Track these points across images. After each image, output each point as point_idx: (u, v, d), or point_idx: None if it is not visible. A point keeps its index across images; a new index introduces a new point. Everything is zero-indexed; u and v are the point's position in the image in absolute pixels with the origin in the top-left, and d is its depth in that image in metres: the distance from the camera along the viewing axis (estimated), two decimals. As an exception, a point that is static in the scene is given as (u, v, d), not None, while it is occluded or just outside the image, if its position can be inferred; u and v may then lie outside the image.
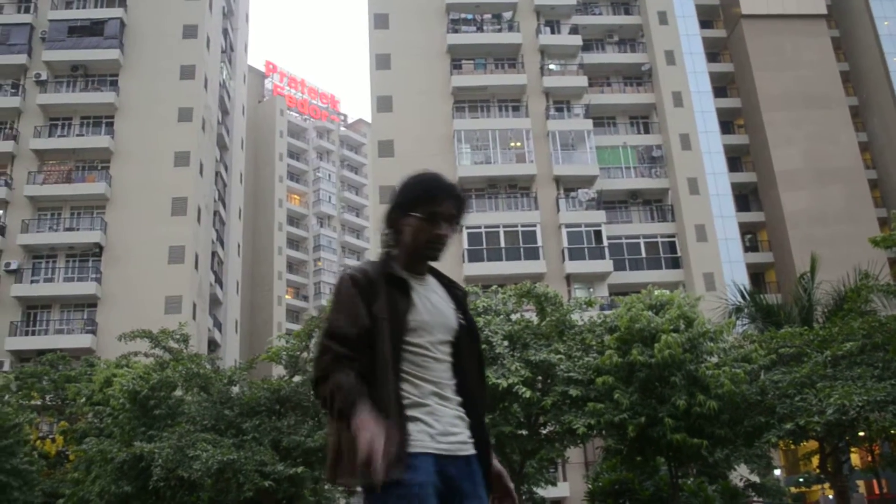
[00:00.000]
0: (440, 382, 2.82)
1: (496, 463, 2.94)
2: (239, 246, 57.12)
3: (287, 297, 77.77)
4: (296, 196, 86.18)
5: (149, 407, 23.52)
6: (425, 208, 2.88)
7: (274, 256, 75.86)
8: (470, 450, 2.80)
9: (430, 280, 3.00)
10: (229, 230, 54.18)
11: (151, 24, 48.05)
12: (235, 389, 25.68)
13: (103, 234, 43.39)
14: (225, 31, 56.33)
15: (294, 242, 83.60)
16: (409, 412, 2.71)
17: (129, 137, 45.52)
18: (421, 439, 2.68)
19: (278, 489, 21.53)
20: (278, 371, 34.64)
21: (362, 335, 2.74)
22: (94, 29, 47.54)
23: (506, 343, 20.32)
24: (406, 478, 2.58)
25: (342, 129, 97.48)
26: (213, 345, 46.97)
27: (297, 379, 24.90)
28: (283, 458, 21.73)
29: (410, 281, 2.89)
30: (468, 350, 2.95)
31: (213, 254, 48.92)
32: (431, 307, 2.88)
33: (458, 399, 2.86)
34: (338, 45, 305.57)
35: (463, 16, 49.25)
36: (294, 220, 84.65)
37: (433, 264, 3.00)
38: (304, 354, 25.18)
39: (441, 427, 2.74)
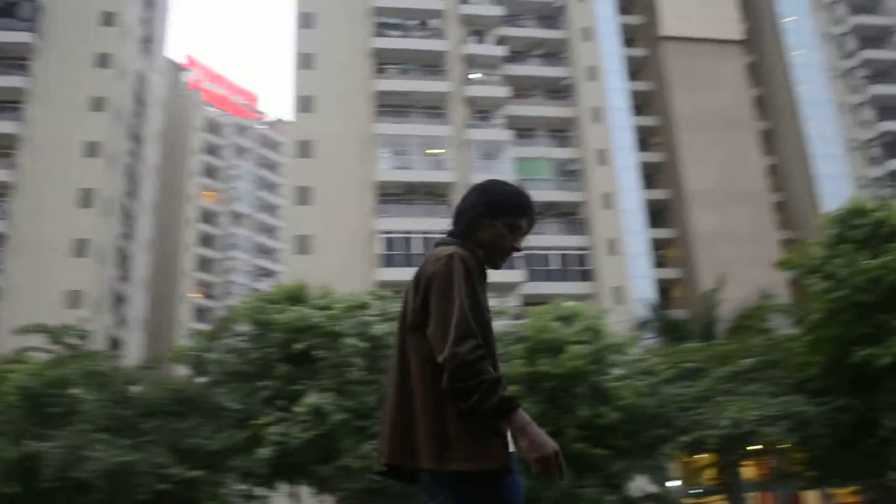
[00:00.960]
0: None
1: None
2: (147, 241, 55.74)
3: (196, 296, 76.20)
4: (210, 193, 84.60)
5: (42, 404, 22.66)
6: (514, 219, 2.98)
7: (181, 253, 74.28)
8: None
9: None
10: (139, 225, 52.82)
11: (69, 8, 46.61)
12: (138, 389, 24.98)
13: (7, 224, 41.79)
14: (145, 21, 55.00)
15: (206, 240, 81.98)
16: None
17: (39, 124, 43.95)
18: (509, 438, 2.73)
19: (175, 492, 21.01)
20: (184, 371, 33.87)
21: (486, 328, 2.79)
22: (6, 10, 45.89)
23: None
24: (512, 473, 2.69)
25: (261, 127, 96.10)
26: (115, 342, 45.62)
27: (201, 380, 24.37)
28: (182, 460, 21.21)
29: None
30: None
31: (120, 249, 47.61)
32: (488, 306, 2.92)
33: None
34: (261, 42, 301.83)
35: (389, 20, 49.17)
36: (207, 217, 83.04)
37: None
38: (210, 355, 24.67)
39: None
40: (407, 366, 2.89)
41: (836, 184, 52.96)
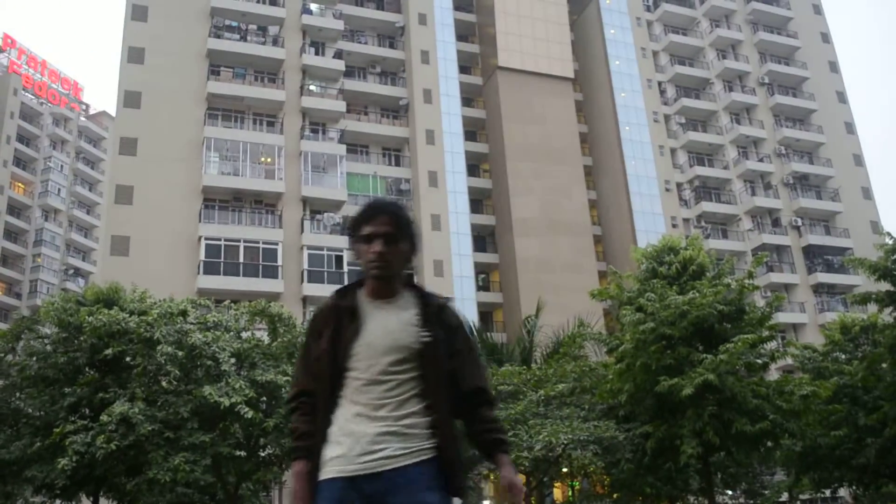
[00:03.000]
0: (374, 403, 2.98)
1: (503, 460, 3.11)
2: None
3: (-4, 292, 71.22)
4: (20, 184, 79.38)
5: None
6: (361, 230, 3.15)
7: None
8: (403, 461, 2.91)
9: (401, 301, 3.17)
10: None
11: None
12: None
13: None
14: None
15: (12, 234, 76.82)
16: (334, 437, 2.98)
17: None
18: (334, 464, 2.93)
19: (-41, 503, 19.43)
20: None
21: (314, 375, 3.13)
22: None
23: (233, 361, 19.70)
24: None
25: (82, 119, 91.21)
26: None
27: (-2, 383, 22.71)
28: (-30, 469, 19.64)
29: (367, 306, 3.13)
30: (436, 362, 3.05)
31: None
32: (382, 331, 3.05)
33: (404, 412, 2.98)
34: (89, 30, 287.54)
35: (227, 22, 48.04)
36: (16, 209, 77.90)
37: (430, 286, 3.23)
38: (9, 357, 23.03)
39: (360, 447, 2.91)
40: None
41: (650, 221, 56.10)
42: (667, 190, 58.83)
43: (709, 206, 59.06)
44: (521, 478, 25.35)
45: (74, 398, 20.67)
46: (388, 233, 3.11)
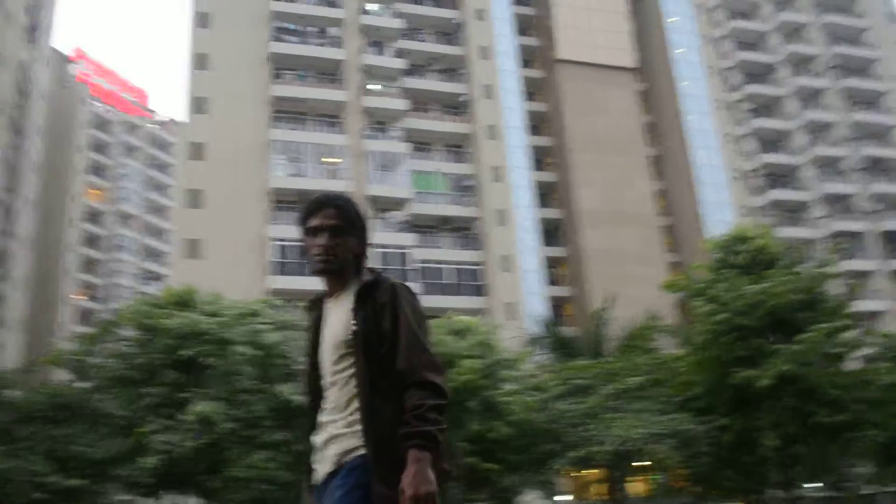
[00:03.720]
0: (327, 408, 2.95)
1: (410, 458, 2.66)
2: (28, 240, 53.32)
3: (79, 297, 73.27)
4: (96, 191, 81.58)
5: None
6: (308, 223, 3.10)
7: (65, 253, 71.35)
8: (332, 466, 2.86)
9: (349, 293, 3.03)
10: (19, 222, 50.46)
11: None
12: (14, 393, 23.77)
13: None
14: (30, 9, 52.68)
15: (91, 240, 78.98)
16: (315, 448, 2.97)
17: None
18: (313, 475, 2.94)
19: (53, 502, 20.05)
20: (65, 376, 32.48)
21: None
22: None
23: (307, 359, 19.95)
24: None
25: (152, 126, 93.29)
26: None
27: (82, 385, 23.39)
28: (62, 468, 20.27)
29: (325, 305, 3.10)
30: (366, 348, 2.88)
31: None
32: (328, 330, 3.02)
33: (342, 416, 2.89)
34: (155, 39, 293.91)
35: (288, 25, 48.63)
36: (93, 216, 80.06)
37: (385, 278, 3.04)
38: (93, 360, 23.72)
39: (316, 456, 2.94)
40: None
41: (720, 211, 55.19)
42: (735, 178, 57.81)
43: (779, 194, 57.84)
44: (594, 472, 25.23)
45: (155, 398, 21.19)
46: (333, 225, 3.05)
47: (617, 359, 23.98)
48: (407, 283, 3.07)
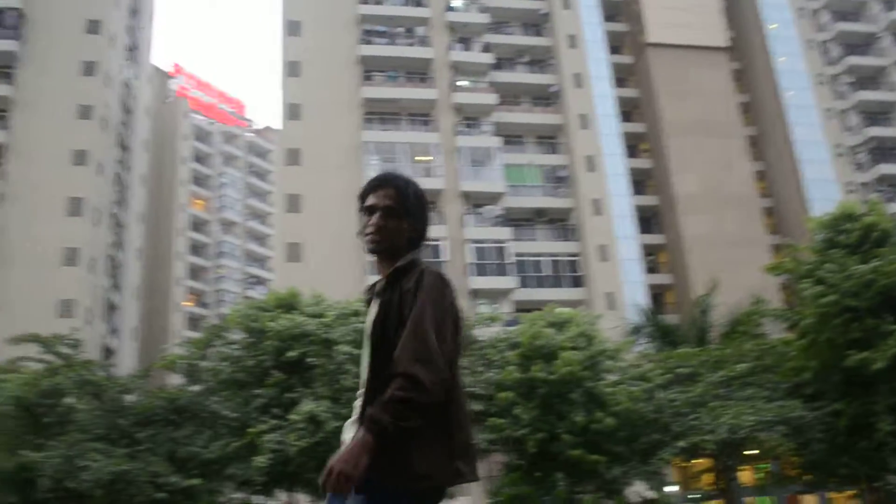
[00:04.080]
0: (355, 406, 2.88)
1: (355, 436, 2.67)
2: (138, 250, 55.50)
3: (189, 304, 75.90)
4: (199, 201, 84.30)
5: (37, 414, 22.53)
6: (364, 201, 3.06)
7: (173, 262, 73.98)
8: None
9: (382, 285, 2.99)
10: (129, 234, 52.59)
11: (53, 16, 46.39)
12: (131, 398, 24.82)
13: (-4, 233, 41.59)
14: (130, 29, 54.81)
15: (197, 248, 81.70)
16: None
17: (25, 133, 43.76)
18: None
19: (172, 501, 20.89)
20: (177, 380, 33.73)
21: None
22: (-10, 19, 45.64)
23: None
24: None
25: (249, 134, 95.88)
26: (108, 352, 45.35)
27: (195, 388, 24.26)
28: (179, 469, 21.10)
29: (376, 293, 2.98)
30: (379, 344, 2.85)
31: (111, 257, 47.37)
32: (368, 317, 2.94)
33: (355, 406, 2.88)
34: (249, 50, 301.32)
35: (376, 27, 49.21)
36: (198, 225, 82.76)
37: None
38: (204, 363, 24.56)
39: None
40: None
41: (824, 188, 53.30)
42: (839, 155, 55.79)
43: (887, 168, 55.53)
44: (701, 462, 24.76)
45: (264, 399, 21.80)
46: (388, 206, 2.97)
47: (722, 345, 23.50)
48: (441, 272, 2.96)
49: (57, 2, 46.73)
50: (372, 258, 3.04)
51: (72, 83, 44.95)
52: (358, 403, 2.85)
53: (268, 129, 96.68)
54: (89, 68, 45.63)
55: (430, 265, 2.97)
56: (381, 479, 2.63)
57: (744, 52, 62.03)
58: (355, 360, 19.99)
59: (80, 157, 43.58)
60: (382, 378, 2.73)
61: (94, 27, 46.72)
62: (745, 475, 29.03)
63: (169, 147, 78.21)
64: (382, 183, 3.05)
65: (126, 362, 46.72)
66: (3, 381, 23.65)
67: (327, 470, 2.55)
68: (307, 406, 19.54)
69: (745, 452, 21.77)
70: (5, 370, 25.79)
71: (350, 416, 2.95)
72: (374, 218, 2.97)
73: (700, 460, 23.59)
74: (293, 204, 43.69)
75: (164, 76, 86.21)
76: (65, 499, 20.32)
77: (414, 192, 3.05)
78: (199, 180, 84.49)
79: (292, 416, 19.78)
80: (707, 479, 24.84)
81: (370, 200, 3.01)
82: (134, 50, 56.09)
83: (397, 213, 2.97)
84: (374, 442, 2.57)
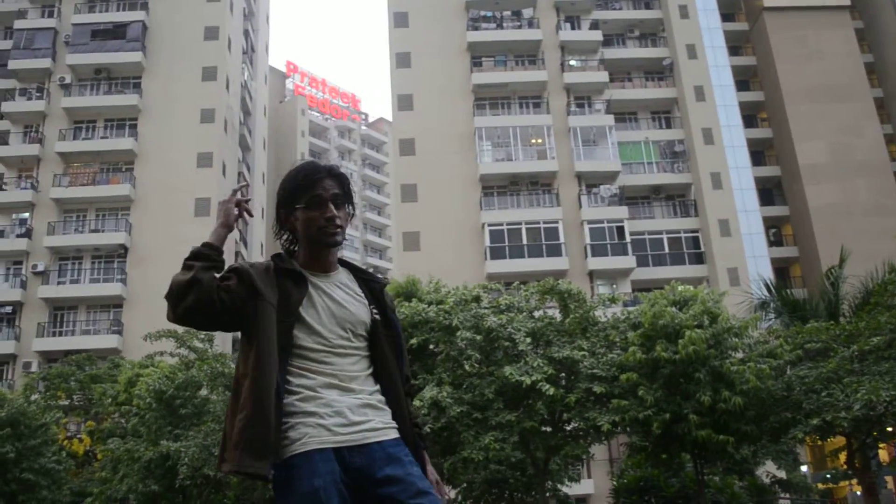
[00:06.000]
0: (341, 374, 2.77)
1: (426, 457, 2.99)
2: (262, 246, 57.38)
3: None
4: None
5: (175, 406, 23.69)
6: (306, 196, 2.87)
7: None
8: (386, 434, 2.77)
9: (341, 275, 2.97)
10: (252, 231, 54.44)
11: (173, 26, 48.35)
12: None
13: (128, 236, 43.77)
14: (246, 32, 56.59)
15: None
16: (302, 406, 2.69)
17: (153, 139, 45.87)
18: (317, 434, 2.65)
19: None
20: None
21: (236, 288, 2.88)
22: (116, 32, 47.88)
23: (528, 340, 20.22)
24: (305, 483, 2.56)
25: (363, 127, 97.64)
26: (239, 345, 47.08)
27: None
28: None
29: (310, 276, 2.88)
30: (385, 342, 2.93)
31: (237, 254, 49.17)
32: (332, 302, 2.86)
33: (372, 388, 2.85)
34: (358, 44, 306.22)
35: (482, 13, 49.20)
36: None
37: (356, 261, 3.10)
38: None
39: (341, 418, 2.69)
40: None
41: (961, 149, 50.34)
42: (978, 111, 52.60)
43: None
44: (841, 440, 23.82)
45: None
46: (337, 195, 2.89)
47: (856, 318, 22.54)
48: None
49: (177, 12, 48.65)
50: (336, 250, 2.96)
51: (194, 89, 46.77)
52: (371, 398, 2.83)
53: (381, 120, 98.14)
54: (210, 73, 47.37)
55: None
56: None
57: (866, 10, 59.11)
58: (475, 346, 20.16)
59: (205, 160, 45.34)
60: (399, 380, 2.98)
61: (212, 33, 48.43)
62: (883, 453, 27.82)
63: (287, 145, 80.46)
64: (324, 173, 2.91)
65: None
66: (142, 375, 24.95)
67: (434, 481, 2.89)
68: (430, 392, 19.80)
69: (884, 429, 20.84)
70: (144, 365, 27.20)
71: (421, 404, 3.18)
72: (332, 209, 2.86)
73: (834, 439, 22.73)
74: (409, 193, 44.26)
75: (280, 76, 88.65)
76: (203, 485, 21.33)
77: (348, 178, 3.02)
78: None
79: (416, 403, 20.12)
80: (841, 458, 23.92)
81: (317, 192, 2.87)
82: (250, 52, 57.88)
83: (344, 202, 2.93)
84: None
